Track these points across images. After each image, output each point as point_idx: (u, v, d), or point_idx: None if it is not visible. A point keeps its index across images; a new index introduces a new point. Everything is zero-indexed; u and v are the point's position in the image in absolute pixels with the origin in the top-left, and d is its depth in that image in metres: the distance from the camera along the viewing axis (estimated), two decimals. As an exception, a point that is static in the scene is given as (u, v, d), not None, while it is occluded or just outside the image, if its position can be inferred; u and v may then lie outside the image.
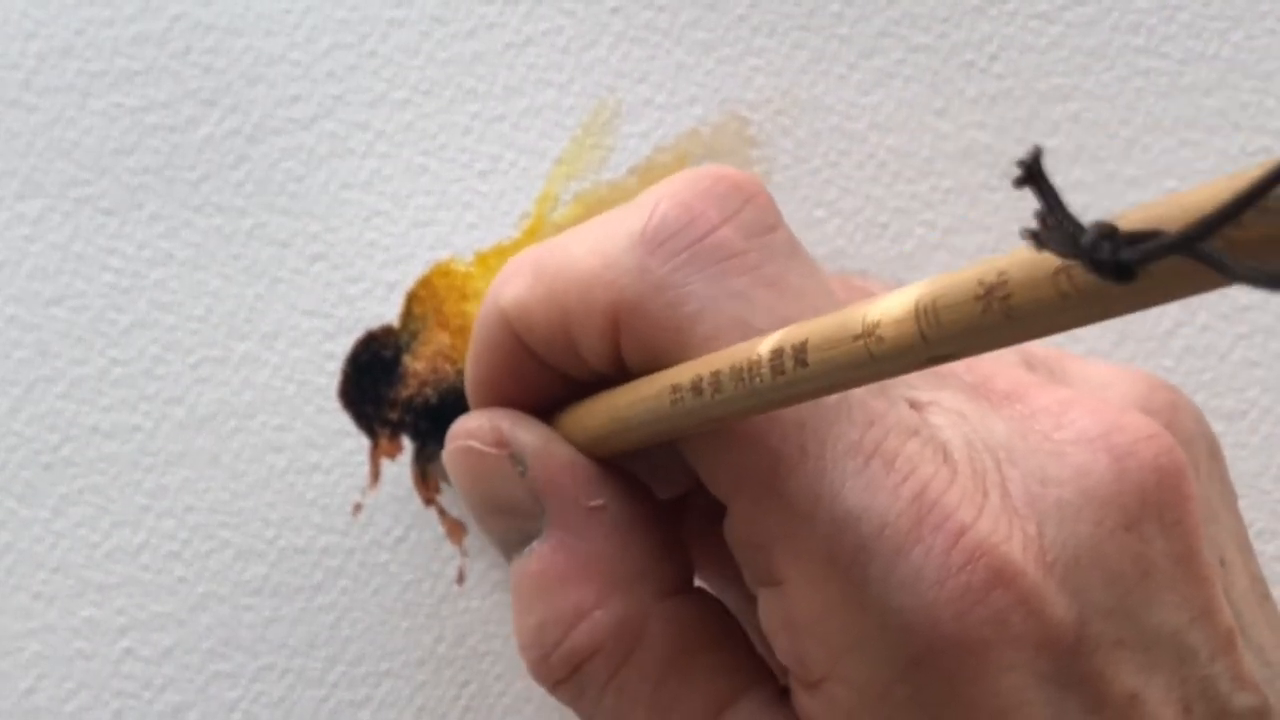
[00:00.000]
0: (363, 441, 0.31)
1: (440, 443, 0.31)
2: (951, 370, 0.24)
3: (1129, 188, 0.32)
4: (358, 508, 0.31)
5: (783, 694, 0.24)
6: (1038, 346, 0.27)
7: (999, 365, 0.24)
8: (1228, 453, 0.32)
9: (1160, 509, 0.22)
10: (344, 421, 0.31)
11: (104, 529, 0.31)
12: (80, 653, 0.31)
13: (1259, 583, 0.26)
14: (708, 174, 0.23)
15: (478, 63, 0.32)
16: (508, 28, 0.32)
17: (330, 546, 0.31)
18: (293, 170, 0.32)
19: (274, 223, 0.32)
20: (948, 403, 0.23)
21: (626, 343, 0.23)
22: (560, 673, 0.24)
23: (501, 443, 0.25)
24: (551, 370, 0.25)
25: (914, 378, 0.23)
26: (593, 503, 0.24)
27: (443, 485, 0.31)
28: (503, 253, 0.32)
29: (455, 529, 0.31)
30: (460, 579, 0.31)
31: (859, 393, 0.22)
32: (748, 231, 0.23)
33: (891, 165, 0.32)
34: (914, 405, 0.23)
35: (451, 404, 0.31)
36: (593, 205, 0.32)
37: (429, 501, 0.31)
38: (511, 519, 0.25)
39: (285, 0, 0.32)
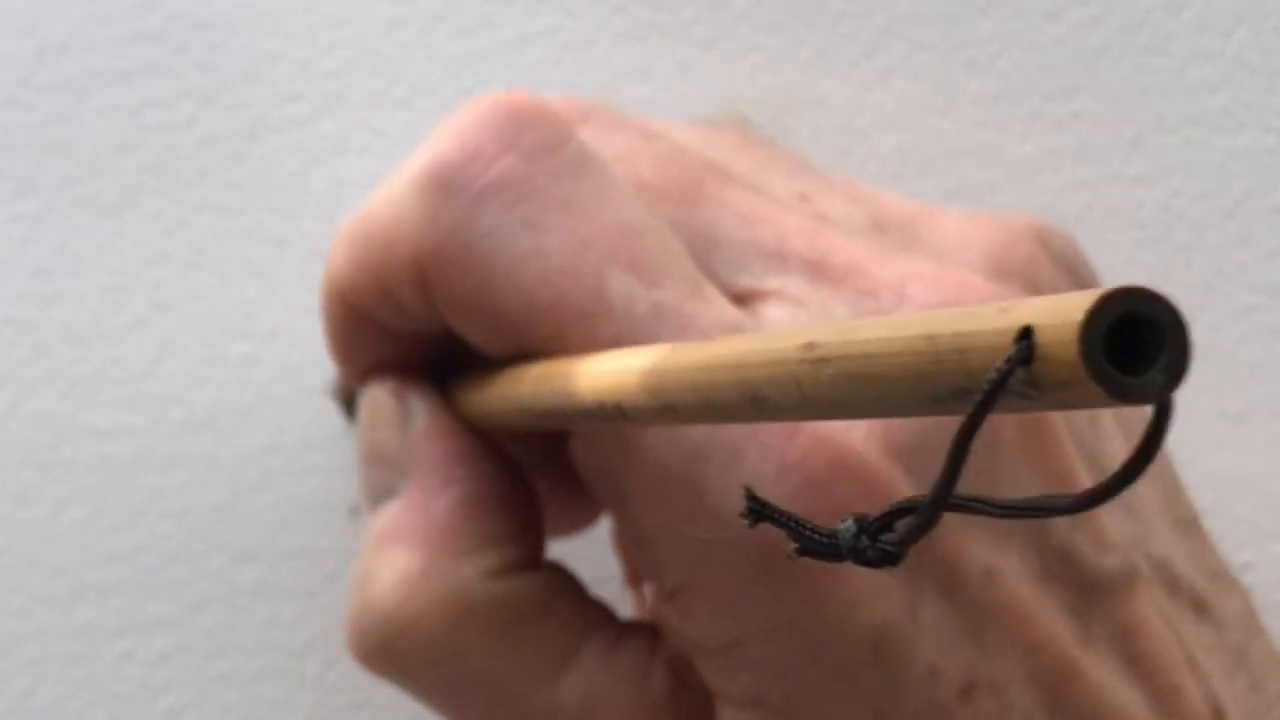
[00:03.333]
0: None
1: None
2: (794, 251, 0.23)
3: (1133, 186, 0.32)
4: (356, 509, 0.31)
5: (624, 632, 0.24)
6: (896, 202, 0.26)
7: (843, 235, 0.24)
8: (1231, 453, 0.32)
9: None
10: (342, 423, 0.31)
11: (101, 530, 0.31)
12: (78, 655, 0.31)
13: (1134, 435, 0.25)
14: (484, 104, 0.23)
15: (478, 61, 0.32)
16: (508, 26, 0.32)
17: (328, 548, 0.31)
18: (291, 169, 0.32)
19: (272, 222, 0.32)
20: (790, 290, 0.23)
21: (434, 292, 0.23)
22: (377, 642, 0.24)
23: (400, 396, 0.25)
24: (397, 331, 0.25)
25: (753, 262, 0.23)
26: (455, 473, 0.24)
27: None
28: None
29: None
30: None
31: (674, 295, 0.22)
32: (530, 156, 0.22)
33: (894, 163, 0.32)
34: (752, 296, 0.23)
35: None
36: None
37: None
38: (386, 470, 0.25)
39: (284, -2, 0.32)
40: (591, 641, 0.24)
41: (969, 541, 0.21)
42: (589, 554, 0.31)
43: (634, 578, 0.30)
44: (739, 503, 0.21)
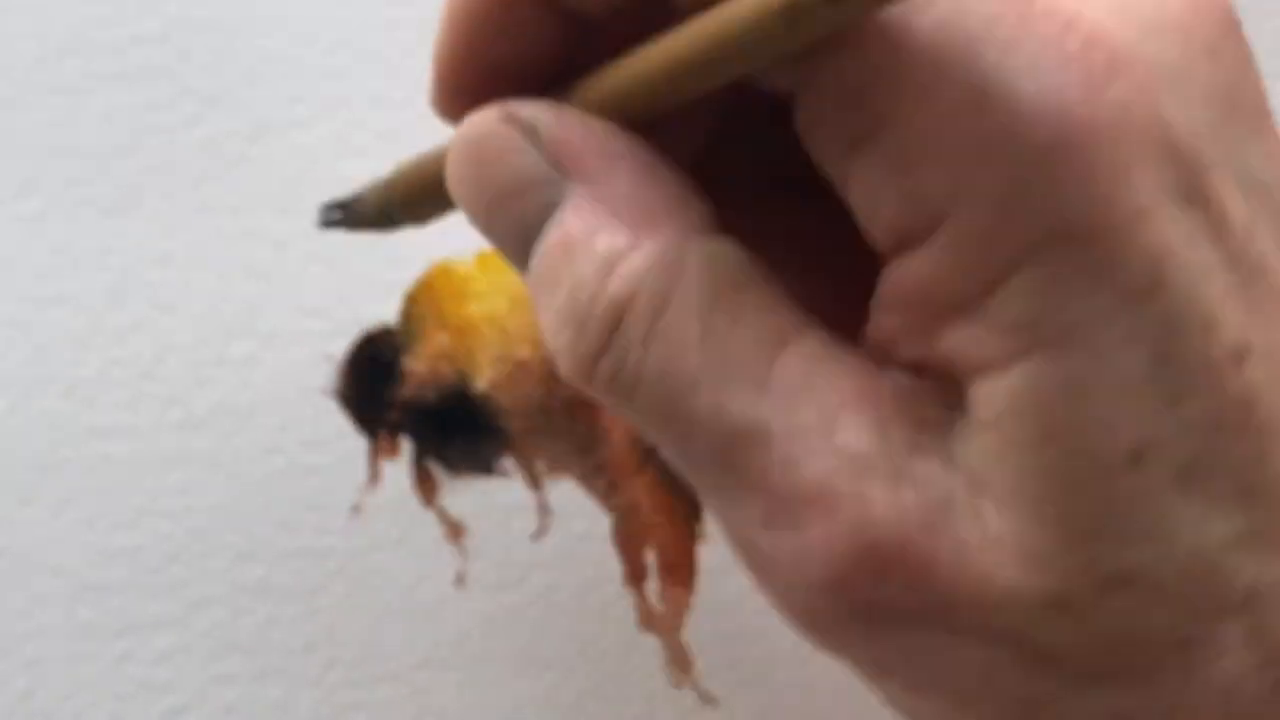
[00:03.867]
0: (361, 442, 0.31)
1: (438, 445, 0.31)
2: None
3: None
4: (357, 509, 0.31)
5: (833, 340, 0.22)
6: None
7: None
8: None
9: (1236, 41, 0.22)
10: (343, 423, 0.31)
11: (102, 530, 0.31)
12: (78, 654, 0.31)
13: None
14: None
15: (478, 62, 0.32)
16: (508, 27, 0.32)
17: (329, 548, 0.31)
18: (292, 170, 0.32)
19: (272, 223, 0.32)
20: None
21: None
22: (598, 339, 0.22)
23: (510, 119, 0.23)
24: (548, 15, 0.23)
25: None
26: (617, 147, 0.22)
27: (442, 485, 0.31)
28: (503, 253, 0.31)
29: (454, 530, 0.31)
30: (459, 580, 0.31)
31: None
32: None
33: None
34: None
35: (451, 405, 0.31)
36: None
37: (428, 503, 0.31)
38: (528, 198, 0.23)
39: (285, 0, 0.32)
40: (813, 328, 0.22)
41: (1230, 191, 0.21)
42: (590, 554, 0.31)
43: (634, 576, 0.30)
44: (1021, 86, 0.20)
